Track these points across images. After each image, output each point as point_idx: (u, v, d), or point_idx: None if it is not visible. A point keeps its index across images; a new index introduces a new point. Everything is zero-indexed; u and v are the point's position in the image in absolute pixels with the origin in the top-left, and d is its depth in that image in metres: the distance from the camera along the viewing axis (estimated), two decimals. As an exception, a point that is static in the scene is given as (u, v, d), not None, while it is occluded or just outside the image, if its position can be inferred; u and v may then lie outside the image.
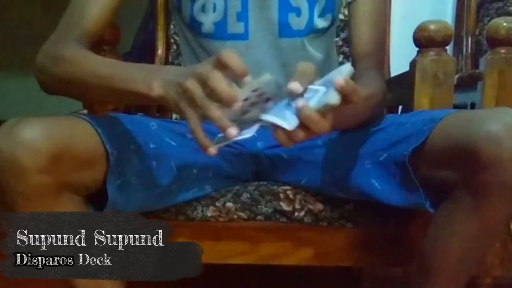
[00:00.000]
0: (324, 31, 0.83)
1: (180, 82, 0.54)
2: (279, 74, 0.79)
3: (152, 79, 0.57)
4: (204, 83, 0.52)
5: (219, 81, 0.51)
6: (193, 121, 0.53)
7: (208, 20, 0.79)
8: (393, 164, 0.66)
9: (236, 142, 0.80)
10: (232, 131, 0.51)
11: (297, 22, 0.79)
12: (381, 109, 0.79)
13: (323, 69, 0.84)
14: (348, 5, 0.82)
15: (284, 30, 0.79)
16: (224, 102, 0.51)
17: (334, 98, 0.52)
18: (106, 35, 0.83)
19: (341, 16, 1.02)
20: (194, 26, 0.81)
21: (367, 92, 0.70)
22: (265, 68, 0.78)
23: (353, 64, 0.81)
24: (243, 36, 0.79)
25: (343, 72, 0.53)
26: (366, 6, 0.80)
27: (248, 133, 0.53)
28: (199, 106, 0.52)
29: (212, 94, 0.52)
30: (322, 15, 0.81)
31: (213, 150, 0.54)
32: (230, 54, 0.52)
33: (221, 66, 0.52)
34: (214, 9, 0.78)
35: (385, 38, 0.81)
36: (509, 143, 0.54)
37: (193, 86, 0.52)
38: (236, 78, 0.53)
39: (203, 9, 0.78)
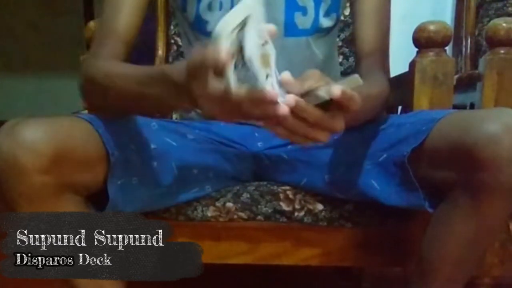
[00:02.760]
0: (328, 30, 0.83)
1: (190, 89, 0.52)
2: None
3: (175, 93, 0.56)
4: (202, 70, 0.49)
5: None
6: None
7: (214, 19, 0.78)
8: (393, 164, 0.66)
9: (235, 141, 0.81)
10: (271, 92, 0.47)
11: (303, 21, 0.79)
12: (384, 108, 0.79)
13: (324, 69, 0.84)
14: (352, 3, 0.81)
15: (290, 29, 0.79)
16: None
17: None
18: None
19: (341, 17, 1.02)
20: (199, 25, 0.80)
21: (375, 92, 0.69)
22: None
23: (356, 63, 0.81)
24: None
25: (350, 82, 0.51)
26: (370, 4, 0.79)
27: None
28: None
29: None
30: (327, 14, 0.81)
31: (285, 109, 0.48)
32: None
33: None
34: (221, 8, 0.78)
35: (389, 37, 0.80)
36: (508, 143, 0.54)
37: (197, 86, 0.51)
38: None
39: (209, 7, 0.78)
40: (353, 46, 0.85)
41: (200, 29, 0.81)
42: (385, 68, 0.80)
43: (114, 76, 0.64)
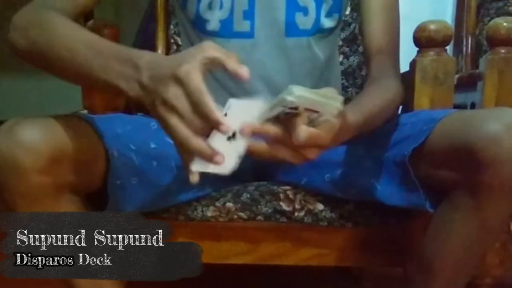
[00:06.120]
0: (330, 31, 0.82)
1: (159, 91, 0.47)
2: (284, 74, 0.78)
3: (132, 78, 0.50)
4: (186, 90, 0.46)
5: (200, 94, 0.46)
6: (180, 132, 0.47)
7: (214, 18, 0.78)
8: (393, 164, 0.66)
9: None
10: (219, 159, 0.47)
11: (304, 22, 0.79)
12: (397, 111, 0.78)
13: (324, 70, 0.84)
14: (357, 2, 0.81)
15: (291, 29, 0.79)
16: (208, 122, 0.46)
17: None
18: (106, 35, 0.83)
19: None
20: (199, 23, 0.80)
21: (385, 103, 0.69)
22: (270, 68, 0.78)
23: (367, 61, 0.80)
24: (249, 35, 0.78)
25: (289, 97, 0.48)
26: (377, 1, 0.78)
27: (226, 169, 0.49)
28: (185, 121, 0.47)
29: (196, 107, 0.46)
30: (329, 15, 0.80)
31: (195, 178, 0.49)
32: (215, 49, 0.47)
33: (212, 65, 0.48)
34: (221, 7, 0.77)
35: (399, 34, 0.80)
36: (509, 143, 0.54)
37: (174, 96, 0.46)
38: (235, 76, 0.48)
39: (209, 6, 0.78)
40: (361, 44, 0.84)
41: (200, 28, 0.80)
42: (396, 67, 0.78)
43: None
